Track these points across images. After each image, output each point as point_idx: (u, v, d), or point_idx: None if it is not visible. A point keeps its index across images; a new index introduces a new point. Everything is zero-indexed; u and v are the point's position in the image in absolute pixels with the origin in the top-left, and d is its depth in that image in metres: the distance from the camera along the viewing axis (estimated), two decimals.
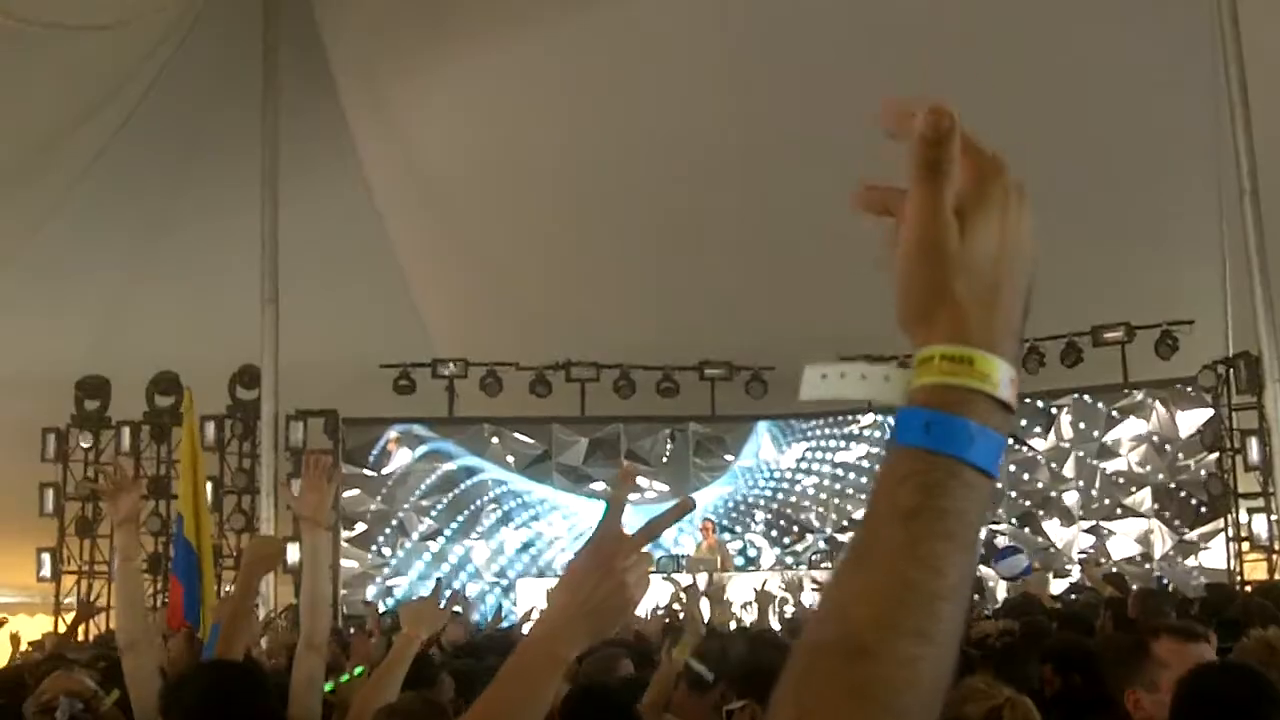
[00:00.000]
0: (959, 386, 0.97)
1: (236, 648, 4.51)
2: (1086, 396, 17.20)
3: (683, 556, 15.78)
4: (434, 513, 18.13)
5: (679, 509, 1.94)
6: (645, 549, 1.86)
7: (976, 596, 15.65)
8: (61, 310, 16.43)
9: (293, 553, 9.37)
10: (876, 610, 0.92)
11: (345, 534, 17.55)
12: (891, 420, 0.99)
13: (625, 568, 1.81)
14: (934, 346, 0.98)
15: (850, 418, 18.57)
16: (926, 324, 1.00)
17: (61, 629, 14.07)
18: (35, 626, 15.50)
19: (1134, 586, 11.48)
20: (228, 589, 11.98)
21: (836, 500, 18.69)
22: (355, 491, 17.83)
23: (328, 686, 4.59)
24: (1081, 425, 17.29)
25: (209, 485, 14.90)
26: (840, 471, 18.70)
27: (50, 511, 16.74)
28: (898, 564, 0.93)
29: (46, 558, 16.88)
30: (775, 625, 9.93)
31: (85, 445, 17.10)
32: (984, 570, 17.22)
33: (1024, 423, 17.51)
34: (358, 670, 5.29)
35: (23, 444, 16.40)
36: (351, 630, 12.38)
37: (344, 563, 17.43)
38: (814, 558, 18.08)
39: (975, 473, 0.96)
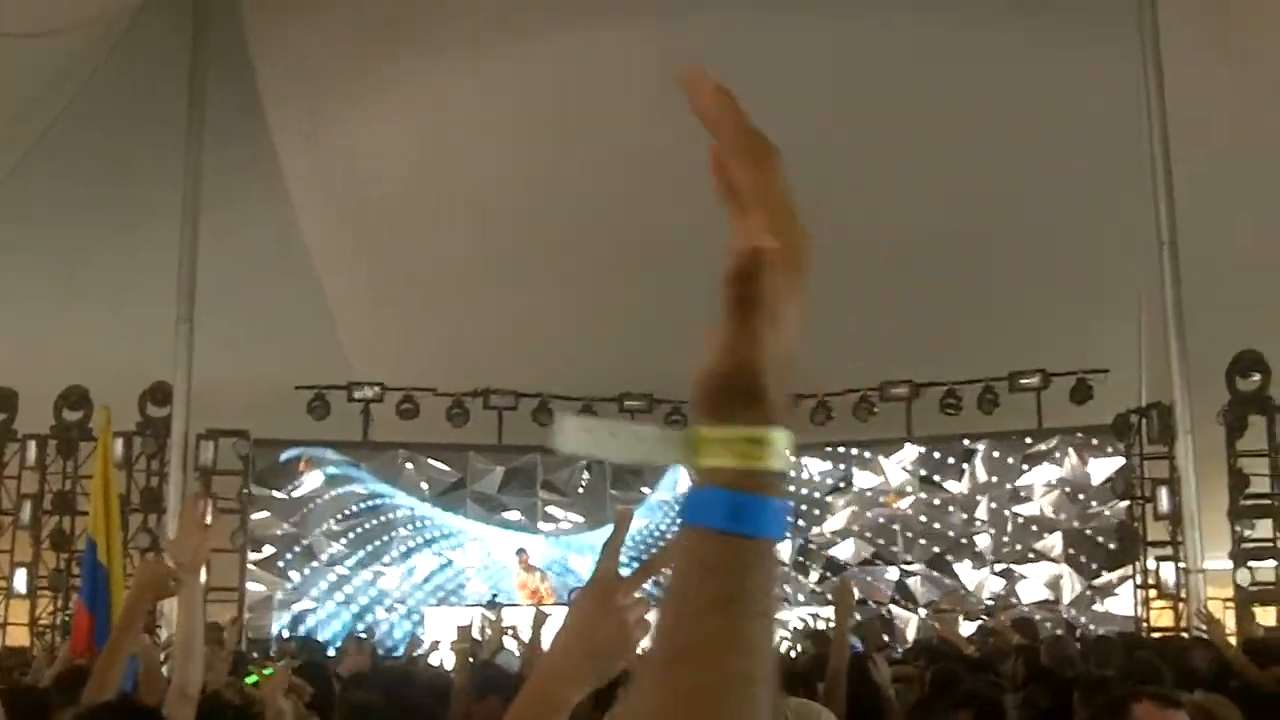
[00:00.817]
0: (762, 470, 0.95)
1: (113, 680, 4.32)
2: (1001, 442, 17.34)
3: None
4: (344, 538, 17.89)
5: (622, 522, 1.94)
6: (641, 588, 1.85)
7: (886, 637, 15.70)
8: None
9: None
10: (698, 704, 0.91)
11: (253, 556, 17.28)
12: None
13: (624, 607, 1.80)
14: (736, 429, 0.96)
15: None
16: (724, 403, 0.97)
17: None
18: None
19: (1053, 631, 11.58)
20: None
21: None
22: (264, 514, 17.56)
23: (251, 679, 4.53)
24: (995, 470, 17.43)
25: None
26: None
27: None
28: (720, 656, 0.92)
29: None
30: None
31: None
32: (896, 610, 17.33)
33: (940, 467, 17.67)
34: (279, 663, 5.23)
35: None
36: (254, 655, 12.17)
37: (250, 585, 17.16)
38: None
39: (773, 542, 0.96)
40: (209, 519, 4.53)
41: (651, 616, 1.85)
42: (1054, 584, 16.77)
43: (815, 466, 18.49)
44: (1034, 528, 17.10)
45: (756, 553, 0.94)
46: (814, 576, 18.21)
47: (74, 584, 15.87)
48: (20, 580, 16.08)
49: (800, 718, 4.56)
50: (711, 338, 0.98)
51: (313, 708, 5.01)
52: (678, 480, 18.89)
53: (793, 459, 0.96)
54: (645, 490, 18.84)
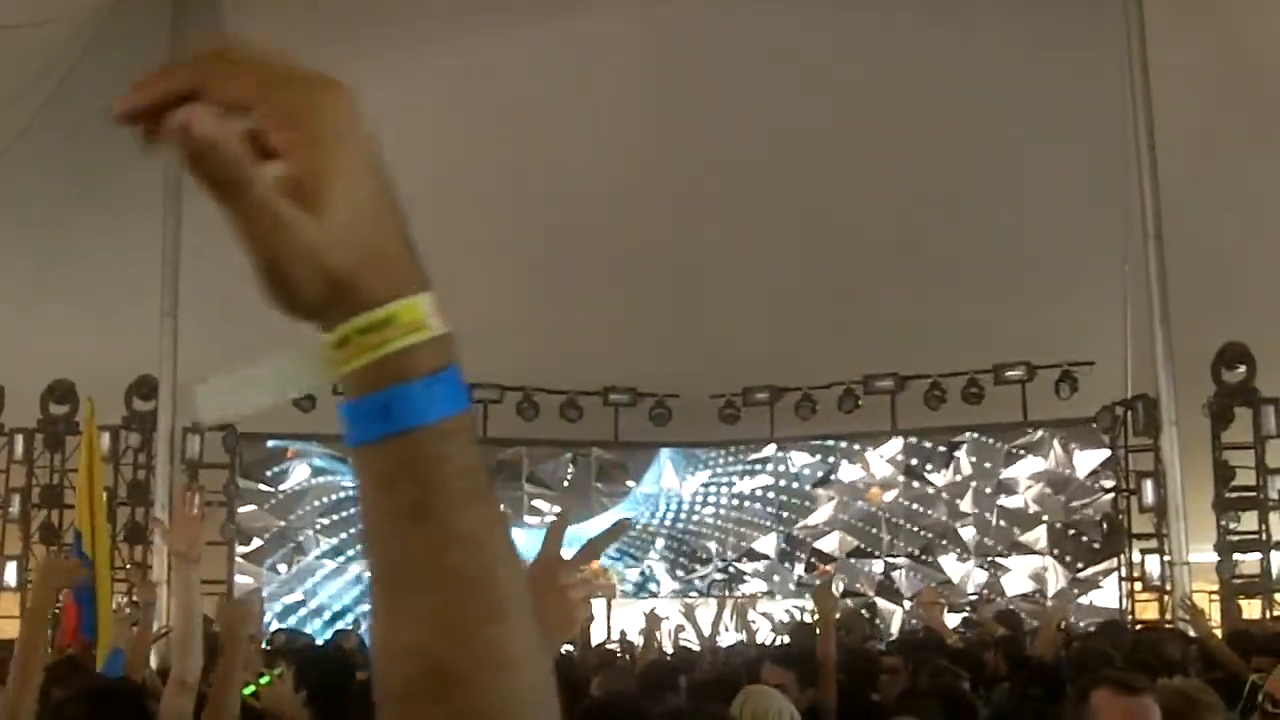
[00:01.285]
0: (395, 353, 0.83)
1: (34, 671, 4.29)
2: (985, 435, 17.38)
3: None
4: (330, 531, 17.91)
5: (617, 530, 1.95)
6: (587, 568, 1.89)
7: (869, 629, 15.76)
8: None
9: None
10: (435, 619, 0.82)
11: (240, 549, 17.30)
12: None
13: (567, 586, 1.83)
14: (340, 327, 0.83)
15: (751, 448, 18.68)
16: (320, 311, 0.84)
17: None
18: None
19: (1032, 622, 11.61)
20: (120, 600, 11.72)
21: (735, 529, 18.74)
22: (251, 507, 17.58)
23: (248, 690, 4.54)
24: (980, 462, 17.47)
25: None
26: (739, 501, 18.77)
27: None
28: (439, 563, 0.82)
29: None
30: (668, 649, 9.94)
31: None
32: (881, 603, 17.38)
33: (926, 459, 17.74)
34: (275, 672, 5.23)
35: None
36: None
37: (239, 578, 17.18)
38: (711, 586, 18.15)
39: (452, 420, 0.84)
40: (200, 510, 4.58)
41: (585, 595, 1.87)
42: (1038, 576, 16.83)
43: (800, 459, 18.53)
44: (1019, 520, 17.16)
45: (434, 439, 0.83)
46: (799, 569, 18.26)
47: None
48: (10, 573, 16.09)
49: (755, 705, 4.54)
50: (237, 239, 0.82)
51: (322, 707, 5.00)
52: (662, 475, 18.96)
53: (441, 321, 0.86)
54: (630, 484, 18.89)
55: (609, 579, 17.10)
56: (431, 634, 0.82)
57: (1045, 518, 16.97)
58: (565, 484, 18.57)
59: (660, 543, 18.82)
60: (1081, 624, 13.34)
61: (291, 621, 16.83)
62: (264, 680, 5.02)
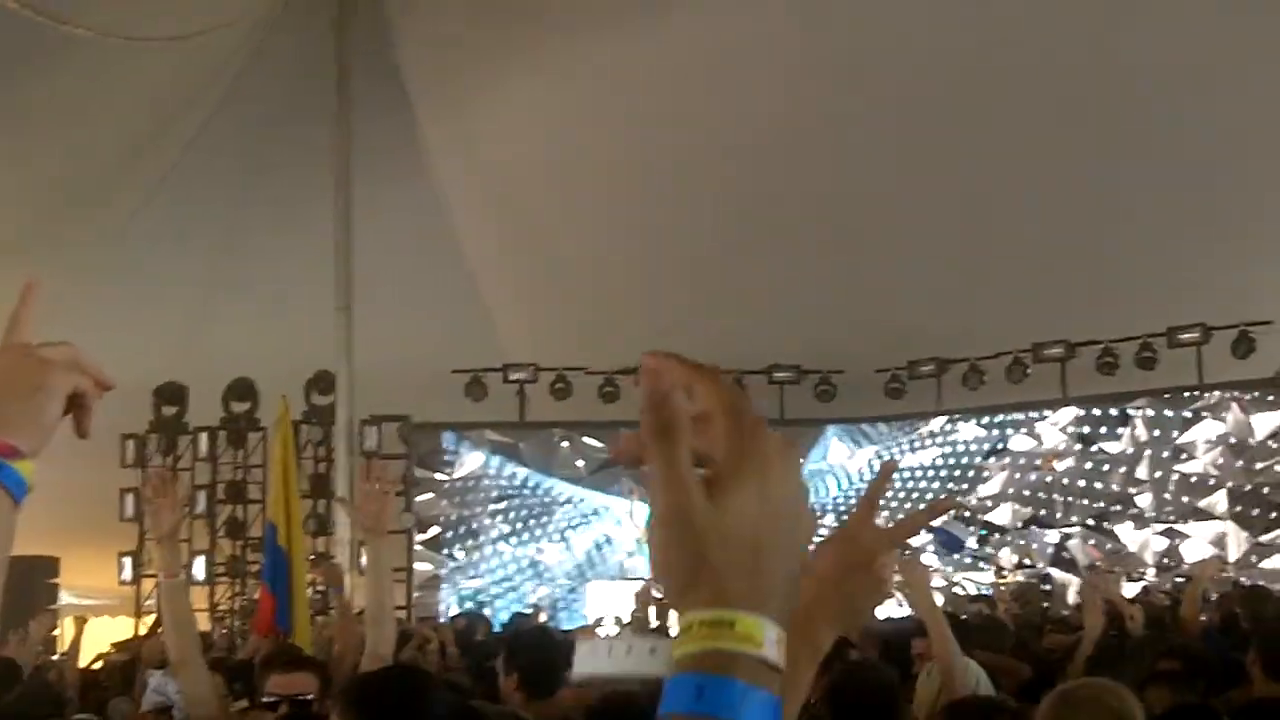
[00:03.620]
0: (723, 650, 0.92)
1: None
2: (1160, 400, 16.98)
3: None
4: (505, 516, 18.25)
5: (941, 507, 1.94)
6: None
7: (1045, 604, 15.53)
8: (139, 320, 16.67)
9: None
10: None
11: (419, 537, 17.73)
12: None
13: (879, 557, 1.82)
14: (692, 614, 0.94)
15: (919, 422, 18.52)
16: (685, 595, 0.95)
17: (143, 631, 14.30)
18: (116, 629, 15.75)
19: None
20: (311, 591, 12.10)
21: (906, 504, 18.59)
22: (428, 495, 18.00)
23: None
24: (1156, 428, 17.08)
25: None
26: (909, 476, 18.61)
27: (130, 516, 16.94)
28: None
29: (128, 561, 17.15)
30: None
31: (162, 452, 17.37)
32: (1055, 574, 17.10)
33: (1100, 426, 17.41)
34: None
35: (103, 450, 16.64)
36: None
37: (418, 565, 17.61)
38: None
39: None
40: (384, 484, 4.71)
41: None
42: (1219, 542, 16.41)
43: (969, 431, 18.32)
44: (1197, 486, 16.75)
45: None
46: (971, 542, 18.07)
47: (250, 569, 16.48)
48: (199, 568, 16.69)
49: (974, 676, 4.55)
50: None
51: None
52: (828, 451, 18.89)
53: (774, 646, 0.94)
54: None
55: None
56: None
57: (1224, 483, 16.54)
58: None
59: (830, 520, 18.76)
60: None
61: (469, 607, 17.17)
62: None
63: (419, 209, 17.35)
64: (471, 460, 18.40)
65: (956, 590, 16.88)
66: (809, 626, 1.76)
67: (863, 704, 4.24)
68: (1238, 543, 16.29)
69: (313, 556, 16.23)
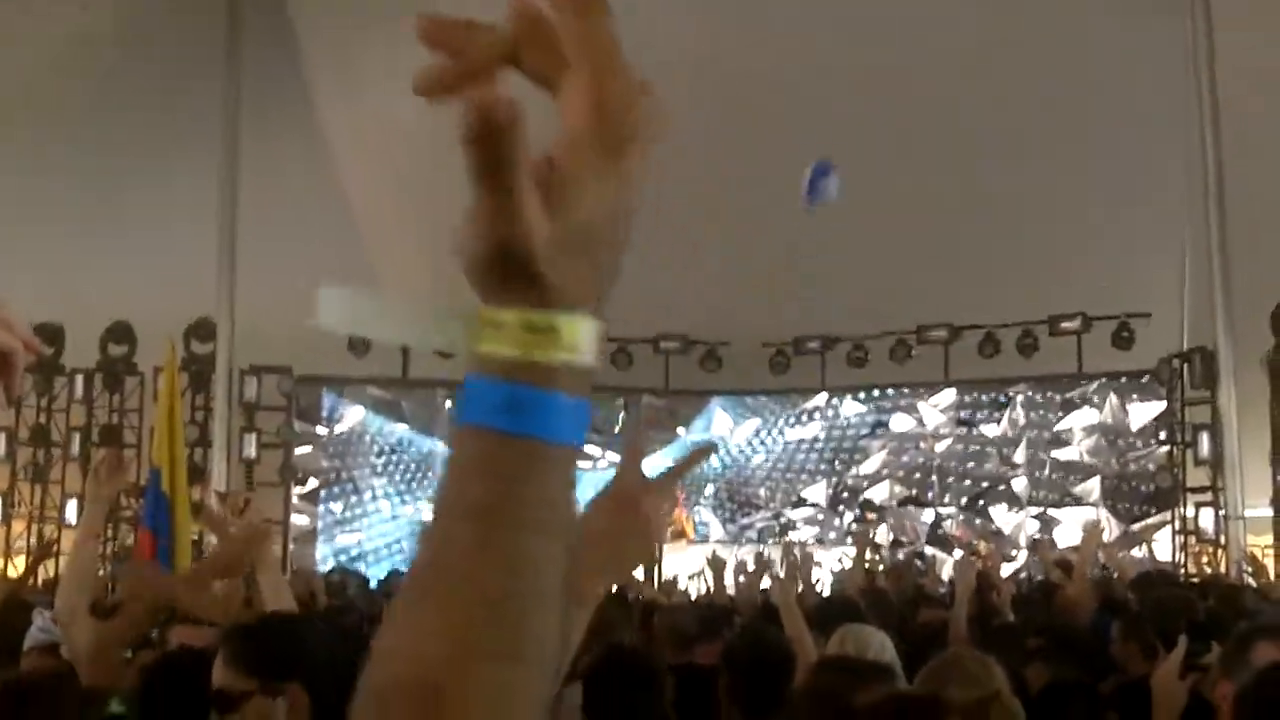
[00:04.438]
0: (548, 361, 0.82)
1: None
2: (1040, 386, 17.29)
3: None
4: (385, 473, 18.11)
5: (701, 453, 1.90)
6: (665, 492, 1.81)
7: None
8: (15, 259, 16.25)
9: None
10: (448, 634, 0.78)
11: (296, 490, 17.51)
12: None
13: (650, 512, 1.77)
14: (510, 311, 0.82)
15: (803, 397, 18.68)
16: (501, 281, 0.83)
17: (12, 573, 13.96)
18: None
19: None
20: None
21: (786, 477, 18.78)
22: (307, 449, 17.78)
23: None
24: (1034, 413, 17.39)
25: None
26: (791, 449, 18.78)
27: (2, 456, 16.59)
28: (471, 571, 0.79)
29: None
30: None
31: (38, 392, 17.00)
32: (931, 552, 17.36)
33: (978, 410, 17.69)
34: None
35: None
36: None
37: (294, 518, 17.40)
38: (760, 534, 18.21)
39: (561, 448, 0.83)
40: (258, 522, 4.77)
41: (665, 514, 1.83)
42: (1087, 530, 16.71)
43: (852, 409, 18.51)
44: (1072, 472, 17.09)
45: (531, 454, 0.81)
46: (849, 518, 18.28)
47: (124, 514, 16.21)
48: (71, 511, 16.37)
49: (855, 640, 4.55)
50: (469, 214, 0.84)
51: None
52: (712, 422, 18.98)
53: (593, 353, 0.84)
54: (680, 431, 18.94)
55: (688, 524, 17.40)
56: (438, 647, 0.78)
57: (1099, 470, 16.89)
58: (616, 431, 18.66)
59: (710, 490, 18.88)
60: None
61: (343, 561, 17.03)
62: None
63: (307, 158, 17.09)
64: (352, 415, 18.22)
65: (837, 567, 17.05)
66: (580, 579, 1.68)
67: (760, 665, 4.24)
68: (1109, 530, 16.64)
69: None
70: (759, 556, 9.42)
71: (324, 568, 16.42)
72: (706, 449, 1.88)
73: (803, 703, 3.47)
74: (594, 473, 18.55)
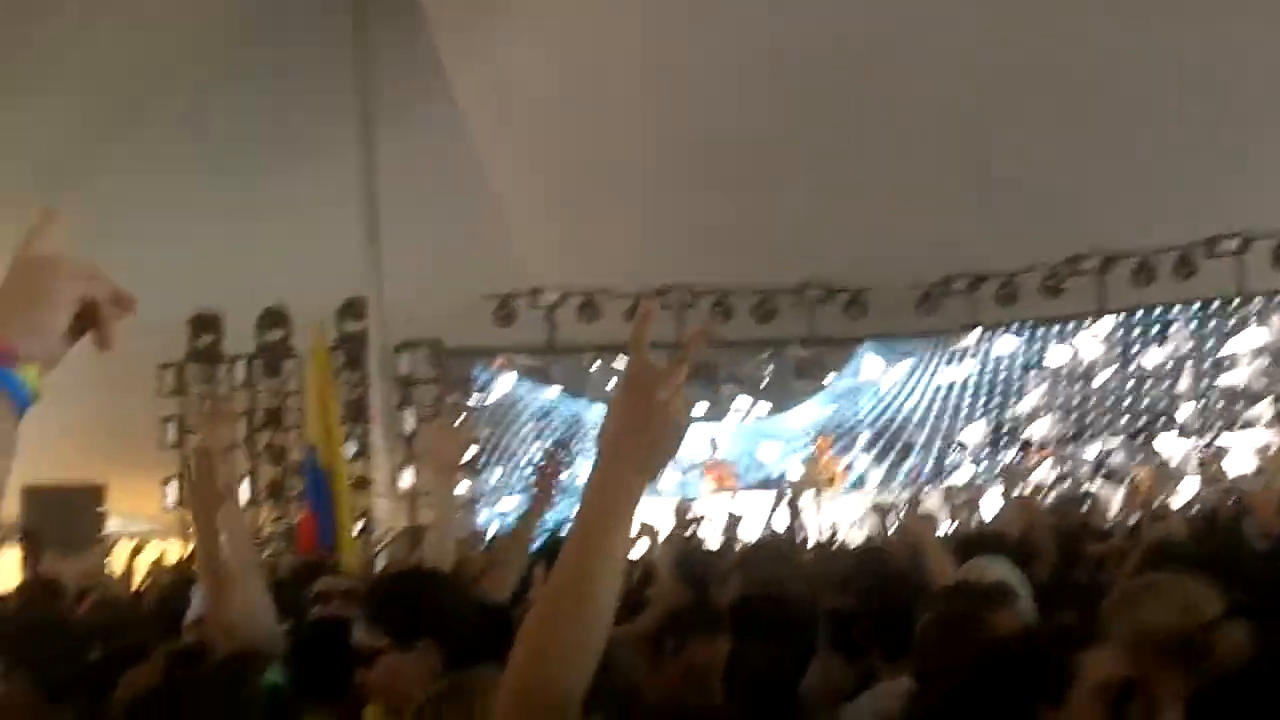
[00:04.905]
0: None
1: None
2: (1200, 310, 16.77)
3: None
4: (538, 438, 18.28)
5: (699, 336, 1.91)
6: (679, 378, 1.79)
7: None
8: (171, 250, 16.68)
9: None
10: None
11: None
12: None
13: (667, 397, 1.77)
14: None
15: (953, 337, 18.38)
16: None
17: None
18: (168, 554, 15.88)
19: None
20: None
21: (944, 421, 18.50)
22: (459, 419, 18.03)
23: None
24: (1196, 338, 16.89)
25: None
26: (943, 391, 18.49)
27: (173, 443, 17.12)
28: None
29: (171, 488, 17.29)
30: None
31: (202, 380, 17.52)
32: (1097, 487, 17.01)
33: (1138, 339, 17.24)
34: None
35: (142, 381, 16.78)
36: None
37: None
38: (918, 478, 17.99)
39: None
40: (461, 423, 4.86)
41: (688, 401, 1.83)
42: (1264, 453, 16.22)
43: (1006, 346, 18.16)
44: (1241, 396, 16.58)
45: None
46: (1009, 457, 17.96)
47: (290, 494, 16.65)
48: (242, 493, 16.83)
49: (981, 573, 4.46)
50: None
51: None
52: (861, 368, 18.80)
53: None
54: (830, 378, 18.80)
55: (838, 472, 17.48)
56: None
57: (1268, 393, 16.36)
58: (764, 385, 18.64)
59: (863, 436, 18.68)
60: None
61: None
62: None
63: (444, 132, 17.23)
64: (502, 383, 18.40)
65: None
66: (619, 463, 1.78)
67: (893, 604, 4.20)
68: None
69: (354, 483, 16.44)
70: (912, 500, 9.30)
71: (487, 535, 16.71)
72: (704, 330, 1.89)
73: (929, 631, 3.41)
74: (745, 424, 18.57)
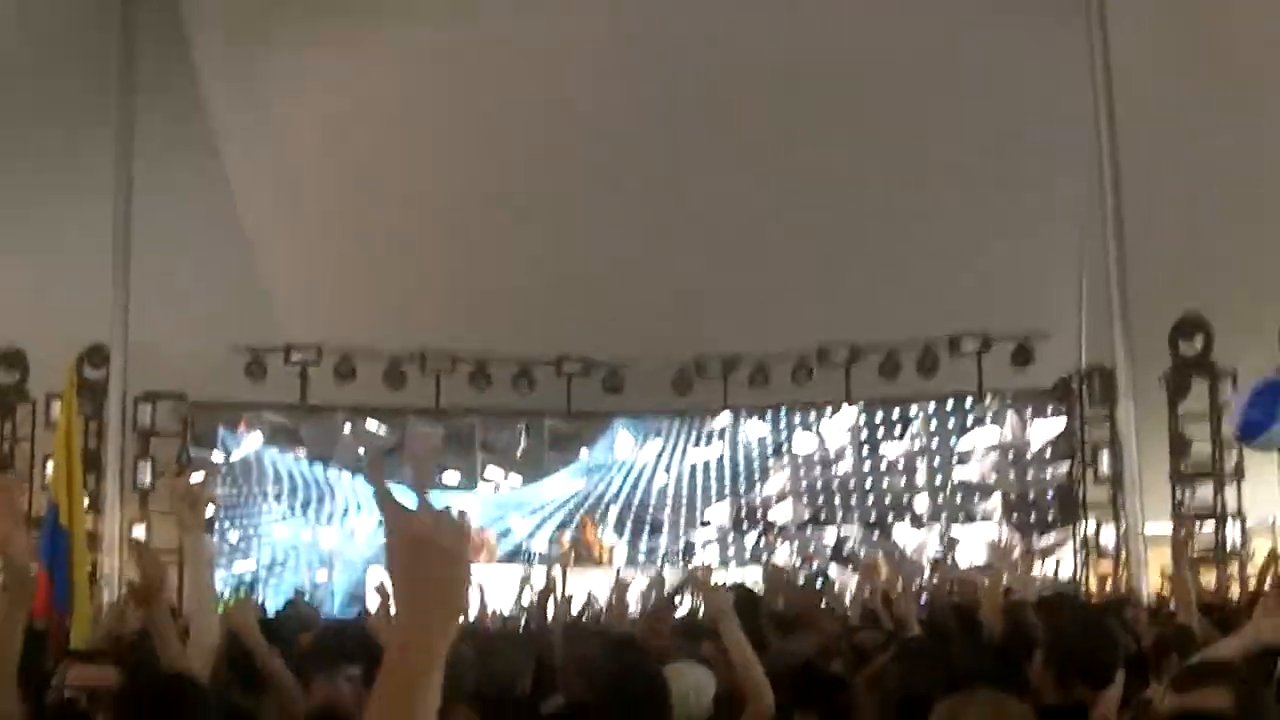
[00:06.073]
0: None
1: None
2: (941, 404, 17.37)
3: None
4: (282, 499, 17.77)
5: (427, 456, 1.79)
6: (437, 510, 1.64)
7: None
8: None
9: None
10: None
11: None
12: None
13: (438, 541, 1.62)
14: None
15: (705, 418, 18.62)
16: None
17: None
18: None
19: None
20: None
21: (688, 499, 18.68)
22: (201, 475, 17.40)
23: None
24: (935, 432, 17.47)
25: (49, 465, 14.44)
26: (693, 471, 18.70)
27: None
28: None
29: None
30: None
31: None
32: (834, 572, 17.37)
33: (880, 429, 17.74)
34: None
35: None
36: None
37: None
38: (664, 556, 18.09)
39: None
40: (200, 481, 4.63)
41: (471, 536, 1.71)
42: (993, 546, 16.83)
43: (754, 430, 18.48)
44: (974, 490, 17.18)
45: None
46: (751, 538, 18.23)
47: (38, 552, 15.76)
48: None
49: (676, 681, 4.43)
50: None
51: None
52: (614, 444, 18.89)
53: None
54: (583, 453, 18.82)
55: (604, 549, 17.55)
56: None
57: (1000, 488, 17.00)
58: (519, 455, 18.53)
59: (612, 511, 18.72)
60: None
61: (243, 591, 16.69)
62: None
63: (202, 180, 16.77)
64: (249, 441, 17.86)
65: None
66: (411, 635, 1.63)
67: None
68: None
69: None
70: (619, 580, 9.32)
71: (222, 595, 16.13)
72: (428, 454, 1.82)
73: None
74: (496, 495, 18.40)
